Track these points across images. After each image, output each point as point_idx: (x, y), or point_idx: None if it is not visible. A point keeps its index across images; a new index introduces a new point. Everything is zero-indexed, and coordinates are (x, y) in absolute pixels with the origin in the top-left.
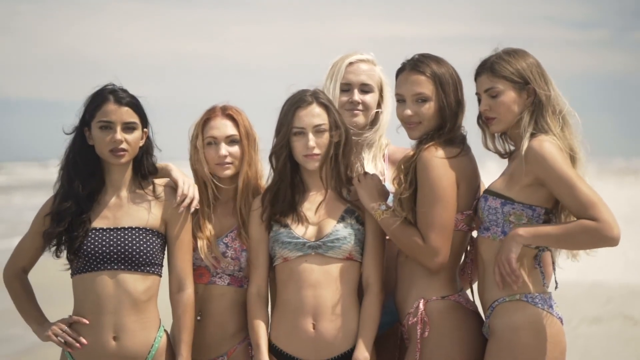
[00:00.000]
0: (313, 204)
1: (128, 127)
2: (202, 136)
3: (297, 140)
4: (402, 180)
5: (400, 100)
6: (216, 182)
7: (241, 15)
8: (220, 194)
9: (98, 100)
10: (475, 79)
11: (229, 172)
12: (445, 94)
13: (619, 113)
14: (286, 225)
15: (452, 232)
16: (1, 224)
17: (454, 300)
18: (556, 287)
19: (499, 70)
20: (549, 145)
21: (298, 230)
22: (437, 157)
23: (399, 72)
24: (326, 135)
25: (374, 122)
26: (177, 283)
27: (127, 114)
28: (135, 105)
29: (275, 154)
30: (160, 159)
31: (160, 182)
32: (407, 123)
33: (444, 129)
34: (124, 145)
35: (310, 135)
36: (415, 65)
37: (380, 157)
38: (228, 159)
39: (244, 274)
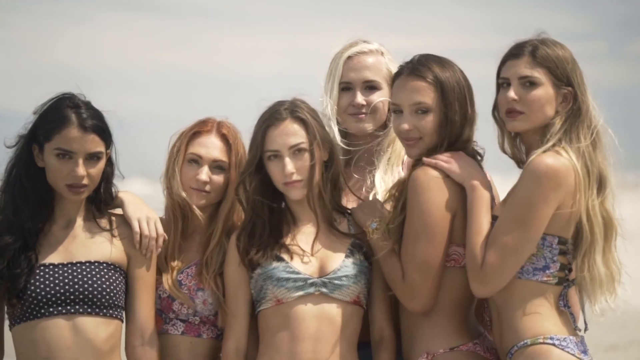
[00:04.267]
0: (308, 236)
1: (92, 157)
2: (185, 149)
3: (273, 166)
4: (392, 206)
5: (397, 110)
6: (191, 209)
7: (230, 26)
8: (187, 224)
9: (57, 120)
10: (505, 61)
11: (202, 201)
12: (449, 103)
13: (616, 127)
14: (281, 259)
15: (439, 271)
16: None
17: (466, 349)
18: (585, 330)
19: (544, 58)
20: (549, 163)
21: (296, 264)
22: (431, 177)
23: (396, 77)
24: (306, 155)
25: (385, 123)
26: (141, 333)
27: (93, 143)
28: (101, 129)
29: (243, 184)
30: (145, 176)
31: (117, 212)
32: (405, 139)
33: (442, 146)
34: (85, 181)
35: (287, 159)
36: (415, 68)
37: (398, 163)
38: (207, 187)
39: (200, 319)
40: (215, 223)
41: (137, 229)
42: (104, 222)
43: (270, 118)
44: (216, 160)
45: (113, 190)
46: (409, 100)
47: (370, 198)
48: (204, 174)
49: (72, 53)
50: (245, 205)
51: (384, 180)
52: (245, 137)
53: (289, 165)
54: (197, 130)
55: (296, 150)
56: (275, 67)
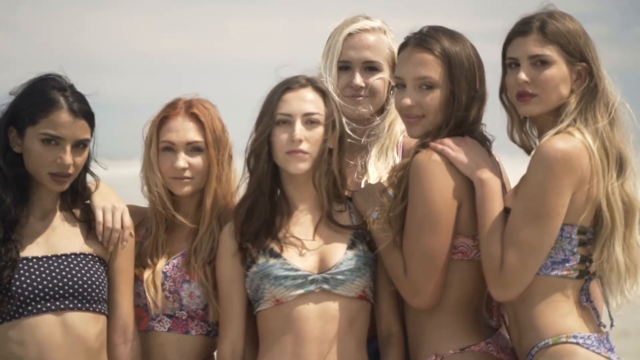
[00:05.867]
0: (307, 227)
1: (78, 145)
2: (157, 138)
3: (280, 132)
4: (393, 193)
5: (400, 84)
6: (172, 200)
7: (243, 10)
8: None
9: (44, 102)
10: (512, 40)
11: (187, 188)
12: (456, 79)
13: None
14: (277, 255)
15: (444, 265)
16: None
17: (478, 350)
18: (612, 325)
19: (554, 33)
20: (559, 147)
21: (294, 259)
22: (435, 162)
23: (401, 49)
24: (320, 129)
25: (383, 107)
26: (123, 330)
27: (82, 129)
28: (90, 114)
29: (254, 152)
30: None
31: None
32: (406, 116)
33: (447, 127)
34: (70, 170)
35: (299, 124)
36: (422, 40)
37: (392, 148)
38: (187, 173)
39: (187, 314)
40: (203, 207)
41: (100, 218)
42: (79, 213)
43: (290, 82)
44: (190, 143)
45: (95, 180)
46: (413, 73)
47: (363, 186)
48: (181, 160)
49: (89, 38)
50: (252, 172)
51: (376, 166)
52: (247, 116)
53: (299, 130)
54: (164, 115)
55: (310, 120)
56: (291, 50)
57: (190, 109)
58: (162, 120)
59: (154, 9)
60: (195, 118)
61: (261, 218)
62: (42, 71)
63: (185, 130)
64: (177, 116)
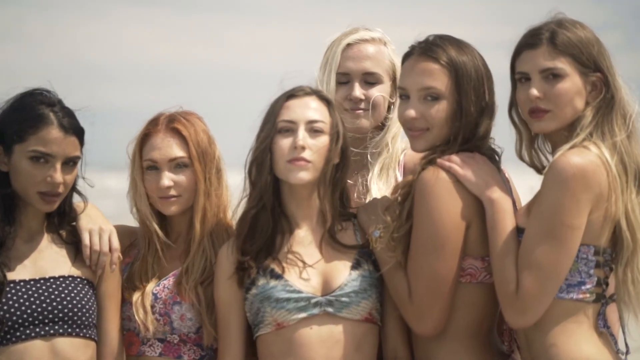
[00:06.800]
0: (307, 245)
1: (68, 162)
2: (139, 157)
3: (281, 139)
4: (397, 212)
5: (404, 95)
6: (163, 220)
7: (244, 20)
8: (167, 232)
9: (33, 118)
10: (521, 52)
11: (174, 207)
12: (464, 91)
13: None
14: (278, 276)
15: (451, 289)
16: None
17: None
18: (627, 353)
19: (565, 44)
20: (575, 162)
21: (296, 281)
22: (441, 180)
23: (406, 58)
24: (324, 139)
25: (383, 123)
26: (112, 357)
27: (72, 146)
28: (81, 130)
29: (255, 161)
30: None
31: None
32: (409, 129)
33: (456, 141)
34: (60, 189)
35: (302, 131)
36: (428, 49)
37: (394, 167)
38: (173, 191)
39: (179, 337)
40: (193, 226)
41: (86, 241)
42: (66, 235)
43: (294, 90)
44: (173, 159)
45: (83, 200)
46: (417, 84)
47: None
48: (165, 179)
49: (90, 48)
50: (254, 184)
51: (379, 186)
52: (249, 126)
53: (302, 138)
54: (146, 133)
55: (314, 129)
56: (292, 61)
57: (171, 124)
58: (144, 138)
59: (163, 19)
60: (177, 133)
61: (264, 235)
62: (47, 81)
63: (167, 146)
64: (158, 133)
